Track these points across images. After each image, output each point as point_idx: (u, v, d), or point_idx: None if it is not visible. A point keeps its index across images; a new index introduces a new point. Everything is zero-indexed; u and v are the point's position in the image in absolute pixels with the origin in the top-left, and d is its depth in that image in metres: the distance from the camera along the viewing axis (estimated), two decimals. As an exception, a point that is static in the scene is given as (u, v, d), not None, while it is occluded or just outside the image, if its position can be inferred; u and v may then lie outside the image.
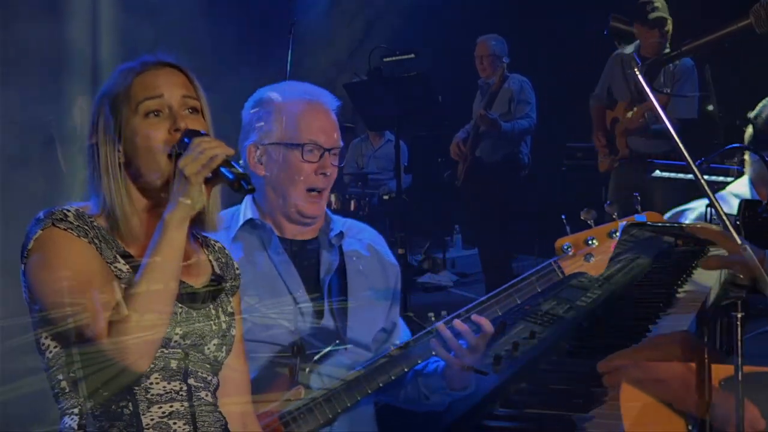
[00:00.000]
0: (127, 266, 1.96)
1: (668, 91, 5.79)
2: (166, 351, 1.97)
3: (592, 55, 6.87)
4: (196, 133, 1.94)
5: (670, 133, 1.77)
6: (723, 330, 2.49)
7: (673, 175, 4.26)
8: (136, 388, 1.96)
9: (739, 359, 1.55)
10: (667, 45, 5.93)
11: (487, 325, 2.42)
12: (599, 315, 2.99)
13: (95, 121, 2.00)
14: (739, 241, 1.76)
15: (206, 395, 2.04)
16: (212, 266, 2.13)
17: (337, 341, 2.47)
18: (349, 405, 2.41)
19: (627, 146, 6.12)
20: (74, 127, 6.71)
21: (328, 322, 2.53)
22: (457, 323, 2.41)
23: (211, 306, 2.06)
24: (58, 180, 6.28)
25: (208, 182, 1.90)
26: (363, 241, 2.69)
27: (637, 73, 1.85)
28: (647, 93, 1.88)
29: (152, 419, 1.97)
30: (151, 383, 1.97)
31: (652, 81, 5.99)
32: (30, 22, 5.65)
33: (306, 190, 2.52)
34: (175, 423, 1.98)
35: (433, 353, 2.43)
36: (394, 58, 8.10)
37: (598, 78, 6.48)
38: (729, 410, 1.58)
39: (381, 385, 2.43)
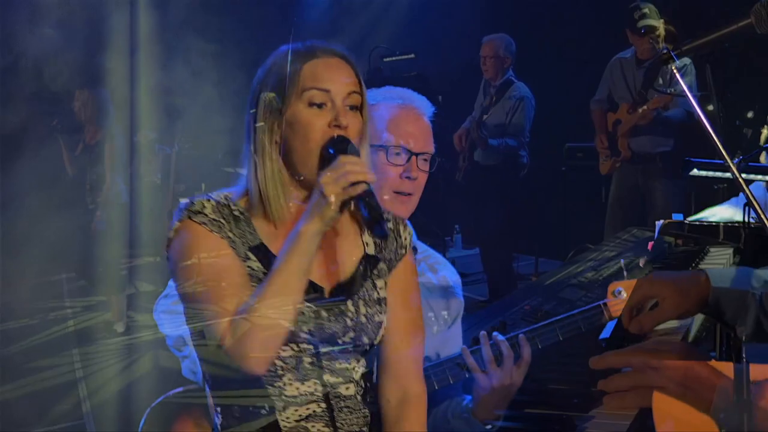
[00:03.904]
0: (258, 263, 1.94)
1: (672, 90, 5.82)
2: (295, 348, 1.93)
3: (592, 56, 6.88)
4: (345, 144, 1.92)
5: (708, 130, 1.77)
6: (723, 336, 2.49)
7: (710, 173, 4.24)
8: (270, 388, 1.93)
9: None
10: (663, 46, 5.94)
11: (526, 351, 2.39)
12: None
13: (258, 94, 1.97)
14: None
15: (347, 388, 2.00)
16: (364, 246, 2.07)
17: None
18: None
19: (629, 148, 6.16)
20: (78, 123, 6.71)
21: None
22: (497, 338, 2.39)
23: (349, 302, 2.00)
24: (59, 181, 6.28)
25: (344, 206, 1.87)
26: (438, 272, 2.70)
27: (675, 70, 1.85)
28: (684, 89, 1.87)
29: (289, 422, 1.94)
30: (284, 384, 1.94)
31: (653, 82, 6.02)
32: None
33: (393, 192, 2.51)
34: (313, 426, 1.96)
35: (464, 365, 2.41)
36: (394, 58, 8.12)
37: (598, 79, 6.50)
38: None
39: None
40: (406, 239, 2.15)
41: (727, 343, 2.50)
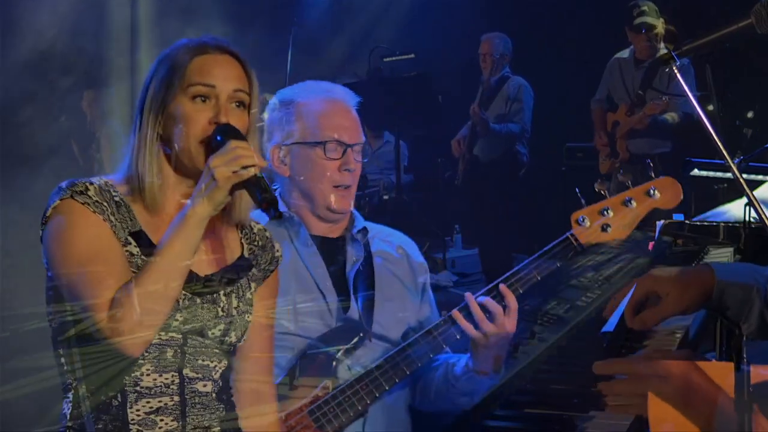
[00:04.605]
0: (137, 248, 1.93)
1: (667, 91, 5.83)
2: (163, 337, 1.92)
3: (592, 56, 6.89)
4: (233, 132, 1.93)
5: (709, 130, 1.77)
6: (723, 336, 2.49)
7: (711, 173, 4.28)
8: (127, 378, 1.91)
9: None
10: (663, 46, 5.96)
11: (511, 299, 2.41)
12: (599, 315, 2.99)
13: (148, 84, 1.99)
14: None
15: (204, 386, 1.99)
16: (242, 249, 2.10)
17: (362, 334, 2.48)
18: (377, 395, 2.41)
19: (627, 149, 6.18)
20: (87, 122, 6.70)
21: (353, 315, 2.54)
22: (480, 300, 2.42)
23: (222, 293, 2.01)
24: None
25: (234, 190, 1.89)
26: (392, 243, 2.73)
27: (676, 71, 1.85)
28: (684, 89, 1.87)
29: (138, 414, 1.92)
30: (142, 374, 1.92)
31: (651, 82, 6.03)
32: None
33: (332, 186, 2.55)
34: (162, 420, 1.94)
35: (457, 324, 2.42)
36: (394, 58, 8.11)
37: (598, 79, 6.52)
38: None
39: (408, 372, 2.43)
40: (278, 252, 2.18)
41: (727, 344, 2.50)
